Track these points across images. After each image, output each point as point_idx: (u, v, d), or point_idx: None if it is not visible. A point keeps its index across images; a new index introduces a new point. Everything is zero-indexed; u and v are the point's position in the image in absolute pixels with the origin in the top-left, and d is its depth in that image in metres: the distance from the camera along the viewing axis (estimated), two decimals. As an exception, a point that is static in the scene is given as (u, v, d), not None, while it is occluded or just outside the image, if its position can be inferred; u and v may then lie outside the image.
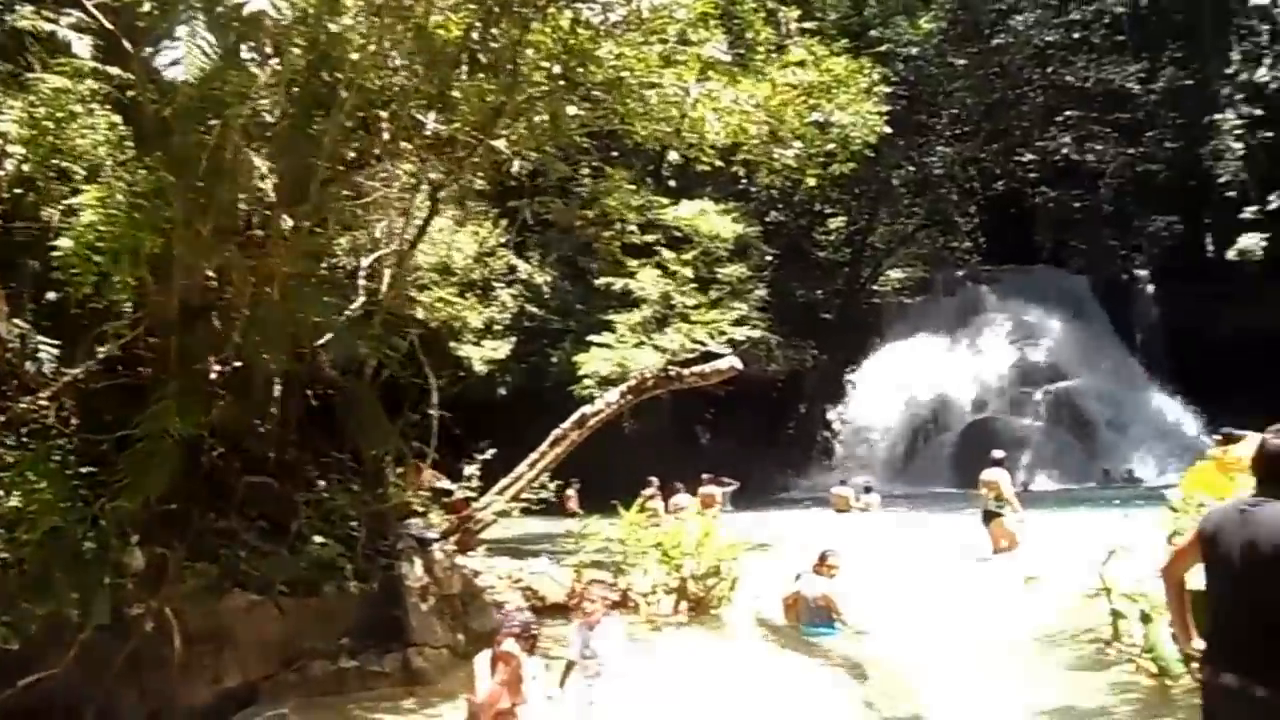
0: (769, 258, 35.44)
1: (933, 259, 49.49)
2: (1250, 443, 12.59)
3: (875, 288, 46.16)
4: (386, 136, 10.63)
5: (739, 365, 15.36)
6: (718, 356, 16.12)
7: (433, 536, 11.23)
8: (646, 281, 19.55)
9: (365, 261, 11.89)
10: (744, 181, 33.71)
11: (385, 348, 11.60)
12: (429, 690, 9.69)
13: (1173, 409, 40.63)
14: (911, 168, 42.80)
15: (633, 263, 19.85)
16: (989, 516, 17.03)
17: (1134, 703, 8.08)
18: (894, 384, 43.85)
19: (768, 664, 10.65)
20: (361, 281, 11.59)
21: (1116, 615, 9.31)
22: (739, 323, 17.70)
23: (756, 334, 22.56)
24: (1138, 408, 41.58)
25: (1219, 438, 13.73)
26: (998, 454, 18.10)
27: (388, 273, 11.91)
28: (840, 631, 11.47)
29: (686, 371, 15.39)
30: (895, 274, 46.99)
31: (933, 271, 48.53)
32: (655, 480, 25.59)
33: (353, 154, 10.76)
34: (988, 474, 17.18)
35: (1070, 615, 10.65)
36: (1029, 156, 45.93)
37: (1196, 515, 8.48)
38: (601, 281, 21.16)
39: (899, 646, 10.91)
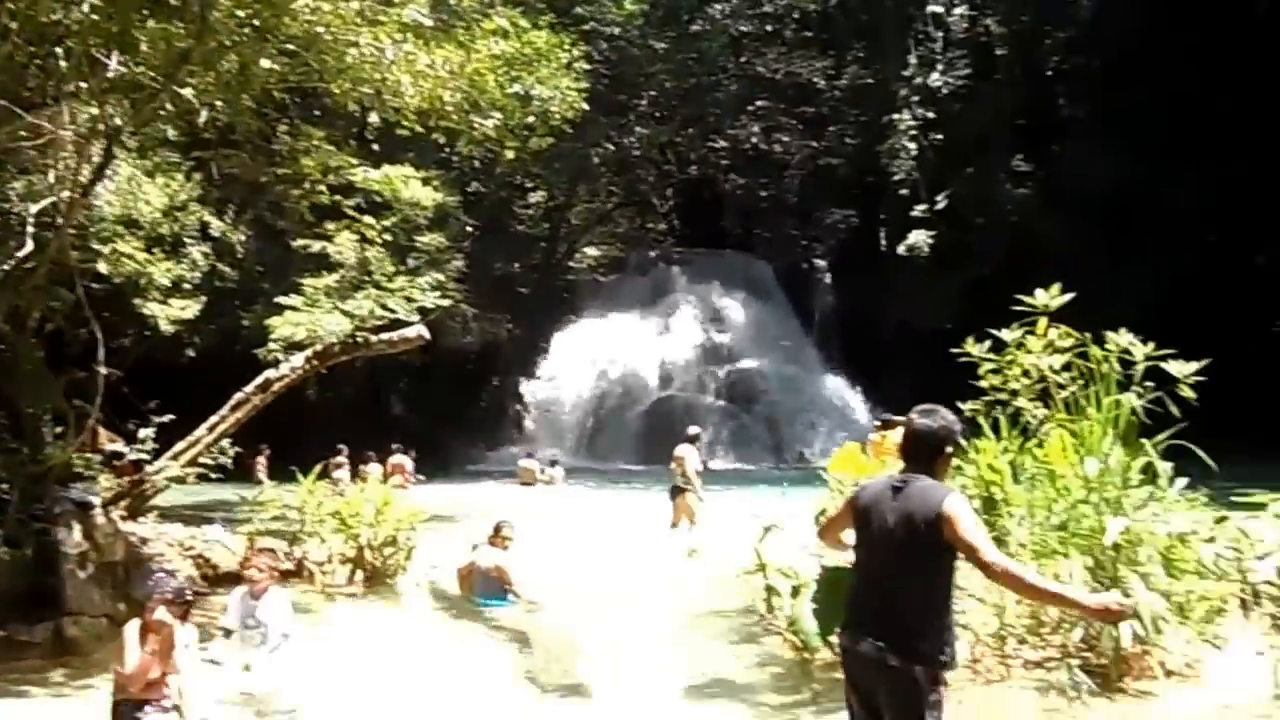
0: (469, 229, 35.38)
1: (629, 239, 50.91)
2: (894, 434, 13.64)
3: (572, 264, 46.97)
4: (62, 75, 9.97)
5: (426, 334, 15.29)
6: (409, 324, 16.07)
7: (94, 501, 10.65)
8: (344, 245, 19.22)
9: (34, 209, 11.09)
10: (446, 150, 33.46)
11: (52, 300, 10.92)
12: (83, 661, 9.24)
13: (845, 394, 43.28)
14: (611, 147, 43.66)
15: (331, 225, 19.44)
16: (676, 492, 17.57)
17: (777, 674, 8.54)
18: (586, 360, 44.74)
19: (437, 634, 10.71)
20: (30, 229, 10.80)
21: (770, 590, 9.64)
22: (432, 291, 17.63)
23: (448, 303, 22.54)
24: (813, 391, 44.04)
25: (878, 423, 14.86)
26: (692, 430, 18.63)
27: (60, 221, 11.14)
28: (512, 603, 11.63)
29: (374, 338, 15.22)
30: (592, 251, 48.00)
31: (628, 251, 50.00)
32: (345, 449, 25.26)
33: (26, 91, 10.04)
34: (679, 450, 17.67)
35: (731, 590, 11.01)
36: (721, 143, 47.86)
37: (843, 495, 9.22)
38: (299, 244, 20.61)
39: (568, 618, 11.18)
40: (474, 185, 37.85)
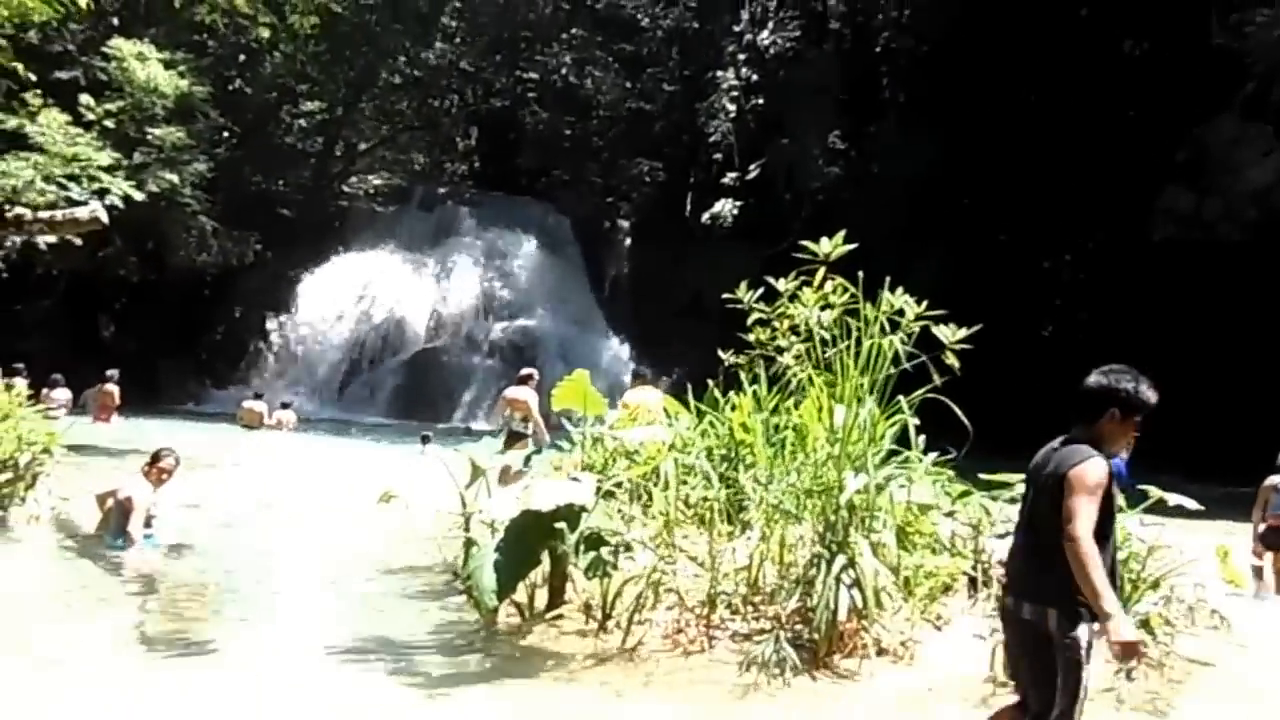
0: (225, 132, 33.25)
1: (417, 170, 49.09)
2: (644, 391, 13.08)
3: (346, 188, 44.82)
4: None
5: (104, 217, 13.47)
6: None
7: None
8: (49, 126, 17.36)
9: None
10: (202, 34, 31.23)
11: None
12: None
13: (624, 361, 42.44)
14: (404, 60, 41.78)
15: (35, 100, 17.58)
16: (514, 438, 16.27)
17: (453, 640, 7.69)
18: (349, 298, 42.77)
19: (39, 576, 9.46)
20: None
21: (469, 544, 8.91)
22: (122, 177, 15.94)
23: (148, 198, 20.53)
24: (593, 358, 42.85)
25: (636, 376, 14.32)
26: (526, 371, 17.52)
27: None
28: (155, 545, 10.35)
29: (29, 214, 13.41)
30: (374, 180, 45.97)
31: (413, 182, 48.06)
32: (23, 367, 23.24)
33: None
34: (515, 391, 16.41)
35: (437, 543, 10.24)
36: (530, 74, 46.49)
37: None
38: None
39: (225, 566, 10.11)
40: (237, 83, 35.57)
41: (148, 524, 10.33)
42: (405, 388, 38.25)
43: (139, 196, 18.20)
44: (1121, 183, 33.65)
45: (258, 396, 29.41)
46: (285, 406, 28.65)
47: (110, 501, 10.43)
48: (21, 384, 22.22)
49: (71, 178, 15.35)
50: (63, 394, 25.20)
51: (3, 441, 11.08)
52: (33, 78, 16.55)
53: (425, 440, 24.00)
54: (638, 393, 13.21)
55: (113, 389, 26.01)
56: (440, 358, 40.66)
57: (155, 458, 10.84)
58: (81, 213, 13.52)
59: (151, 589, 9.04)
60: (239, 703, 6.23)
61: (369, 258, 44.22)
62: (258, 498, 14.34)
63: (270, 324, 41.79)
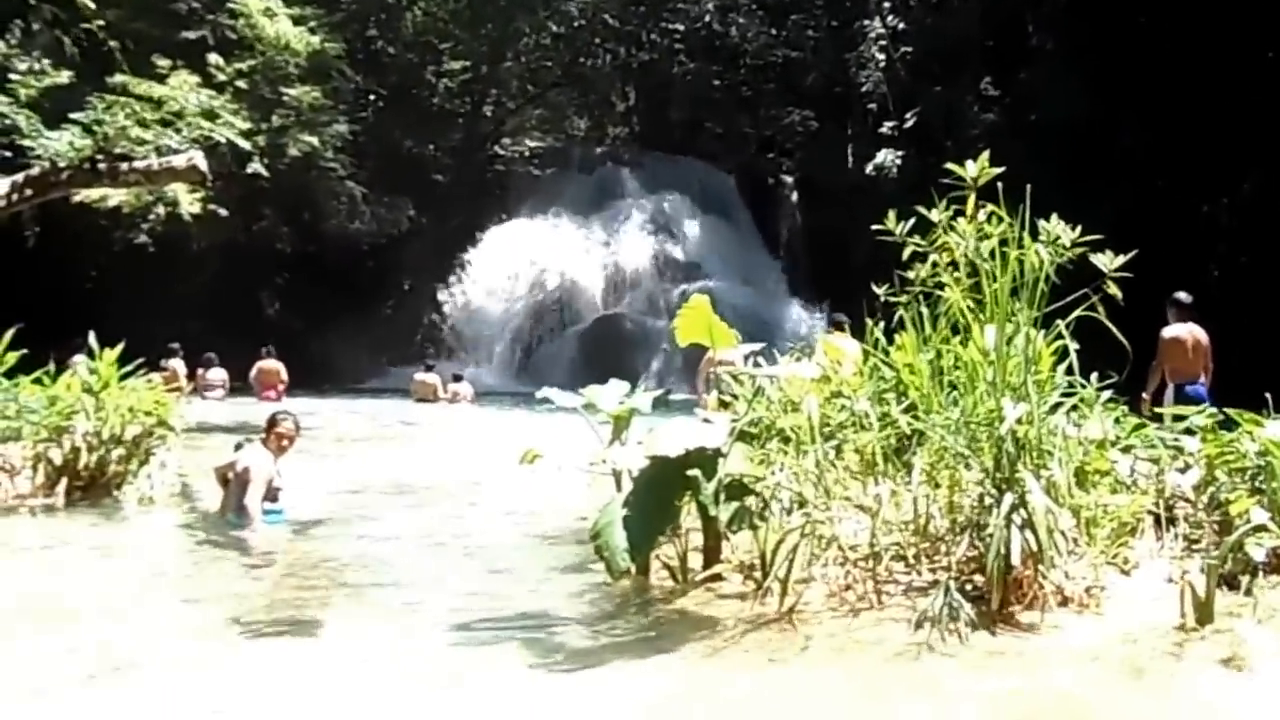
0: (372, 95, 33.11)
1: (575, 134, 48.74)
2: (844, 338, 12.25)
3: (500, 150, 44.56)
4: None
5: (203, 166, 12.78)
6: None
7: None
8: (180, 89, 17.14)
9: None
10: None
11: None
12: None
13: (809, 320, 41.44)
14: (545, 14, 41.22)
15: (164, 63, 17.41)
16: (726, 404, 15.49)
17: (601, 607, 6.88)
18: (520, 266, 42.68)
19: (148, 558, 8.96)
20: None
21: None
22: (227, 127, 15.54)
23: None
24: (775, 317, 41.98)
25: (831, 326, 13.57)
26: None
27: None
28: (280, 519, 9.68)
29: (124, 166, 12.87)
30: (529, 142, 45.74)
31: (570, 144, 47.66)
32: (178, 347, 23.57)
33: None
34: (726, 352, 15.40)
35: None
36: (676, 25, 45.67)
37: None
38: (117, 80, 18.28)
39: (362, 541, 9.53)
40: (378, 43, 35.36)
41: (273, 497, 9.62)
42: (587, 357, 37.56)
43: (244, 145, 17.79)
44: (1271, 124, 31.90)
45: (429, 369, 29.38)
46: (458, 379, 28.52)
47: (230, 475, 9.83)
48: (178, 364, 22.89)
49: (166, 124, 14.95)
50: (218, 374, 25.42)
51: (106, 414, 10.62)
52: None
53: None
54: (837, 339, 12.27)
55: (276, 365, 26.13)
56: (623, 325, 40.22)
57: (271, 423, 10.04)
58: (178, 161, 12.95)
59: (261, 568, 8.38)
60: (325, 684, 5.57)
61: (535, 224, 44.07)
62: (418, 471, 13.84)
63: (441, 295, 41.91)
